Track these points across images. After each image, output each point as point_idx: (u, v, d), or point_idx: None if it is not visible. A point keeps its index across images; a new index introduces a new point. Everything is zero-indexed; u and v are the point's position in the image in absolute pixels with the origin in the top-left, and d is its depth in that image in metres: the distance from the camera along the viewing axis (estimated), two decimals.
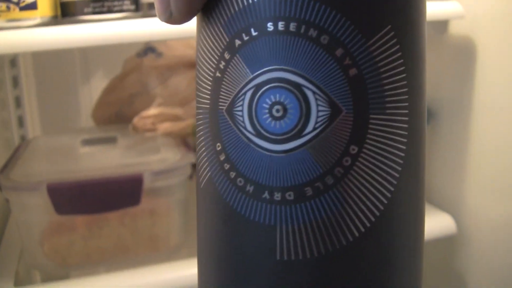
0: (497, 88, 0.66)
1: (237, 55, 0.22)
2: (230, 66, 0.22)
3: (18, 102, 0.99)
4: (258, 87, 0.22)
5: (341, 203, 0.21)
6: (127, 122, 0.76)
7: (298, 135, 0.21)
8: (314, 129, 0.21)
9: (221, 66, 0.22)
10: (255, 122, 0.22)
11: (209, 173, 0.24)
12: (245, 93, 0.22)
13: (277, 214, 0.22)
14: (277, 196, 0.22)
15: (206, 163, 0.24)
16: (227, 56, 0.22)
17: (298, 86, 0.21)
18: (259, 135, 0.22)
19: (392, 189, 0.22)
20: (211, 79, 0.23)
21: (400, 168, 0.22)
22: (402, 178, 0.22)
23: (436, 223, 0.71)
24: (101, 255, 0.65)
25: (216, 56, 0.23)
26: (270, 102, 0.21)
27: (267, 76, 0.21)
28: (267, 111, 0.22)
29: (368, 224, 0.22)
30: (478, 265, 0.70)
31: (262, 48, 0.21)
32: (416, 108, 0.23)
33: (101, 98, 0.85)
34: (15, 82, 0.98)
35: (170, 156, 0.66)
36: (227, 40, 0.22)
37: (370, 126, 0.21)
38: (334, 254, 0.22)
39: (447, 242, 0.72)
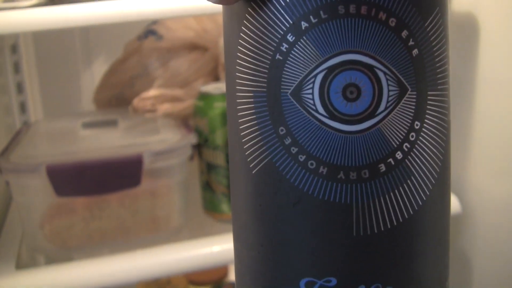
0: (500, 65, 0.65)
1: (304, 38, 0.22)
2: (295, 49, 0.22)
3: (19, 88, 0.98)
4: (330, 69, 0.22)
5: (409, 176, 0.23)
6: (128, 105, 0.76)
7: (372, 115, 0.22)
8: (386, 108, 0.22)
9: (283, 48, 0.22)
10: (328, 104, 0.22)
11: (269, 158, 0.24)
12: (315, 76, 0.22)
13: (353, 192, 0.23)
14: (353, 175, 0.23)
15: (263, 148, 0.24)
16: (291, 38, 0.22)
17: (371, 67, 0.22)
18: (332, 117, 0.22)
19: (442, 158, 0.24)
20: (268, 62, 0.23)
21: (445, 138, 0.24)
22: (447, 148, 0.25)
23: None
24: (102, 237, 0.65)
25: (275, 39, 0.23)
26: (343, 84, 0.22)
27: (340, 58, 0.22)
28: (340, 93, 0.22)
29: (428, 193, 0.24)
30: (483, 244, 0.70)
31: (333, 30, 0.22)
32: (449, 82, 0.25)
33: (102, 82, 0.85)
34: (17, 67, 0.98)
35: (170, 136, 0.66)
36: (291, 22, 0.22)
37: (428, 102, 0.23)
38: (404, 224, 0.23)
39: (451, 222, 0.72)
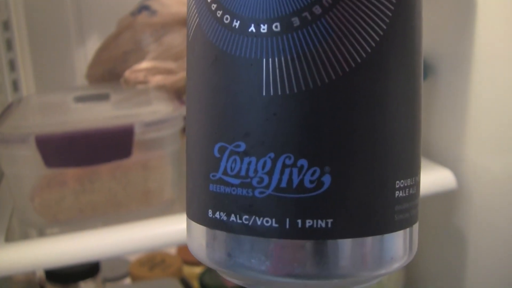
0: (497, 41, 0.64)
1: None
2: None
3: (12, 66, 0.97)
4: None
5: (330, 35, 0.21)
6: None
7: None
8: None
9: None
10: None
11: (197, 20, 0.23)
12: None
13: (263, 47, 0.21)
14: (263, 28, 0.21)
15: (194, 11, 0.23)
16: None
17: None
18: None
19: (387, 20, 0.21)
20: None
21: (394, 1, 0.21)
22: (397, 12, 0.22)
23: (435, 178, 0.69)
24: (93, 210, 0.64)
25: None
26: None
27: None
28: None
29: (359, 60, 0.21)
30: (478, 220, 0.69)
31: None
32: None
33: (94, 57, 0.84)
34: (9, 45, 0.96)
35: (162, 108, 0.65)
36: None
37: None
38: (323, 89, 0.21)
39: (447, 198, 0.71)
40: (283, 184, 0.21)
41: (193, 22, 0.23)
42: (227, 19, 0.22)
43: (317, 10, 0.21)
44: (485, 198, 0.68)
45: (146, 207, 0.65)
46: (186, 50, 0.25)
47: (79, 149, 0.59)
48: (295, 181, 0.21)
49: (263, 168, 0.22)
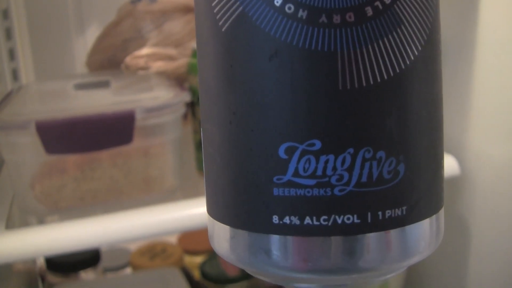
0: (501, 26, 0.63)
1: None
2: None
3: (11, 55, 0.96)
4: None
5: (398, 24, 0.21)
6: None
7: None
8: None
9: None
10: None
11: (240, 8, 0.21)
12: None
13: (338, 38, 0.20)
14: (337, 18, 0.20)
15: None
16: None
17: None
18: None
19: (432, 16, 0.22)
20: None
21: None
22: (436, 9, 0.22)
23: None
24: (94, 198, 0.64)
25: None
26: None
27: None
28: None
29: (420, 48, 0.21)
30: (481, 207, 0.69)
31: None
32: None
33: (94, 45, 0.84)
34: (8, 34, 0.96)
35: (163, 94, 0.64)
36: None
37: None
38: (397, 78, 0.21)
39: (449, 184, 0.71)
40: (364, 179, 0.21)
41: (230, 10, 0.21)
42: (290, 8, 0.20)
43: None
44: (488, 185, 0.67)
45: (147, 195, 0.65)
46: (211, 42, 0.22)
47: (80, 135, 0.59)
48: (375, 174, 0.21)
49: (342, 164, 0.21)
